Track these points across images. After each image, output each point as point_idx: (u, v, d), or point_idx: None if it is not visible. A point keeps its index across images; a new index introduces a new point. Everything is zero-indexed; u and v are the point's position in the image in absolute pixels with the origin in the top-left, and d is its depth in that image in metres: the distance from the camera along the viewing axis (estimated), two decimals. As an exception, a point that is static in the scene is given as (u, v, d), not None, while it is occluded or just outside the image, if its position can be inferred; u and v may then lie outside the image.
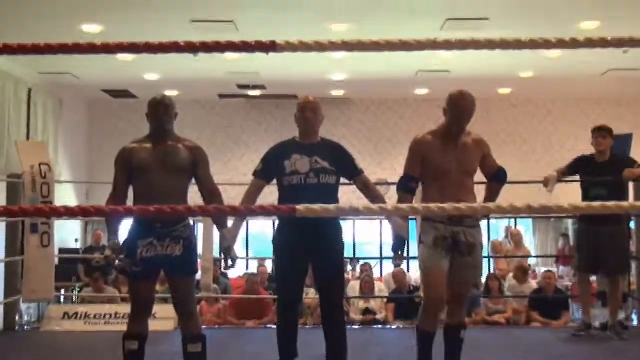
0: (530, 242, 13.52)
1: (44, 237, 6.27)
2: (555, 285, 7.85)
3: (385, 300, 8.06)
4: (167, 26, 8.68)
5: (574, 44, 1.89)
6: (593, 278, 6.52)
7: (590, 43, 1.91)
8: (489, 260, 10.84)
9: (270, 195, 3.98)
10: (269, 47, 1.91)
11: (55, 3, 8.11)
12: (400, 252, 4.04)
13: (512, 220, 13.25)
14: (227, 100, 13.74)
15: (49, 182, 6.34)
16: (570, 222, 11.95)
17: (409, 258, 10.51)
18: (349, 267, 10.77)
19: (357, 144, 12.59)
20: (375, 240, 13.74)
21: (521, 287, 8.09)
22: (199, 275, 5.76)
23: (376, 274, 10.55)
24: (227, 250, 3.87)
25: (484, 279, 8.14)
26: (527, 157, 13.37)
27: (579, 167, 5.73)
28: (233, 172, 12.91)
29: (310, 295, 7.32)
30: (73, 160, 13.03)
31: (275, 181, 4.15)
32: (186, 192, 3.89)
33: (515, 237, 10.61)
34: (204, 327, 4.38)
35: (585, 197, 5.63)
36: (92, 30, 8.87)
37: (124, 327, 3.94)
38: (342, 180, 4.18)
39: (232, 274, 11.15)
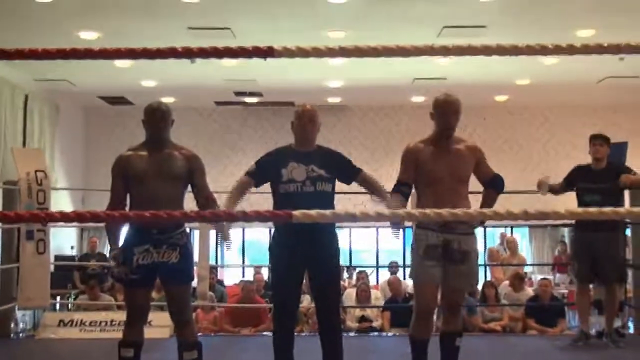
0: (526, 250, 13.53)
1: (39, 244, 6.25)
2: (552, 293, 7.85)
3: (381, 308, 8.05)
4: (164, 34, 8.68)
5: (570, 50, 1.89)
6: (590, 286, 6.51)
7: (586, 49, 1.92)
8: (485, 268, 10.82)
9: (264, 202, 3.97)
10: (267, 52, 1.91)
11: (53, 10, 8.11)
12: (398, 228, 4.07)
13: (508, 228, 13.26)
14: (224, 107, 13.75)
15: (45, 189, 6.32)
16: (566, 230, 11.95)
17: (404, 266, 10.62)
18: (345, 275, 10.76)
19: (353, 151, 12.57)
20: (372, 248, 13.75)
21: (517, 295, 8.08)
22: (194, 283, 5.75)
23: (372, 281, 10.54)
24: (220, 227, 3.87)
25: (480, 287, 8.15)
26: (524, 164, 13.39)
27: (576, 176, 5.72)
28: (230, 179, 12.78)
29: (305, 302, 7.30)
30: (69, 167, 13.01)
31: (268, 188, 4.13)
32: (182, 199, 3.88)
33: (510, 245, 10.61)
34: (199, 334, 4.37)
35: (580, 204, 5.64)
36: (89, 37, 8.88)
37: (120, 335, 3.92)
38: (337, 188, 4.17)
39: (228, 281, 11.16)
